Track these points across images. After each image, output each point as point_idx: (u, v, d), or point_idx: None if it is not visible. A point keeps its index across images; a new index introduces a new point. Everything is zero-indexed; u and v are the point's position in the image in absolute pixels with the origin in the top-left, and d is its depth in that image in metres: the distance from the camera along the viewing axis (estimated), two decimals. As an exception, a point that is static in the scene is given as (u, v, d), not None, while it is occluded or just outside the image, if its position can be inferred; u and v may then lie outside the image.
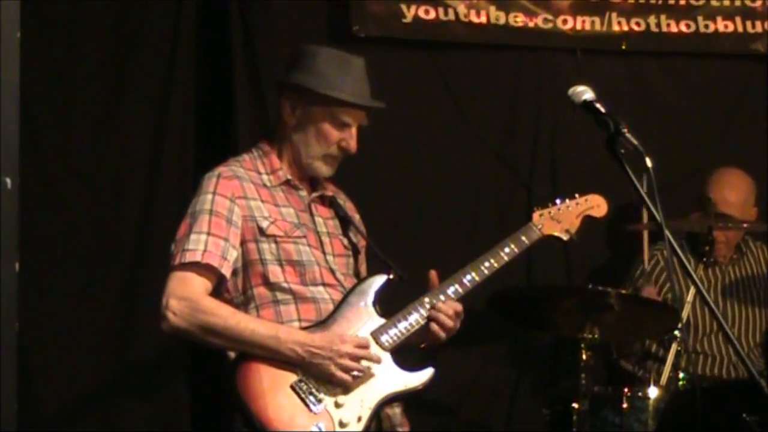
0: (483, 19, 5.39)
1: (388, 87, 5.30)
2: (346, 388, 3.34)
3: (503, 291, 4.64)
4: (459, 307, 3.51)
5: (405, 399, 3.50)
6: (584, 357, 4.54)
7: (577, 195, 3.83)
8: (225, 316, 3.34)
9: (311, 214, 3.57)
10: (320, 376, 3.32)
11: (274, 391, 3.30)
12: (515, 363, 5.44)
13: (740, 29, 5.56)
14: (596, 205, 3.83)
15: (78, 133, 5.04)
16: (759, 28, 5.57)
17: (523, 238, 3.67)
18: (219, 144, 5.12)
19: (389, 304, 3.54)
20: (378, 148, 5.13)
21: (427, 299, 3.48)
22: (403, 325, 3.44)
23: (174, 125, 5.10)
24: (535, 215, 3.76)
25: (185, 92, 5.12)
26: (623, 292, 4.77)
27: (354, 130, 3.56)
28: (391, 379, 3.40)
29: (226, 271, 3.41)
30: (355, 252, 3.66)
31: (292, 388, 3.32)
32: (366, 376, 3.36)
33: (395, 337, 3.43)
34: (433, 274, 3.54)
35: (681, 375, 4.78)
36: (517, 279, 5.30)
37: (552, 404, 4.77)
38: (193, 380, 5.04)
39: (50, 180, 4.96)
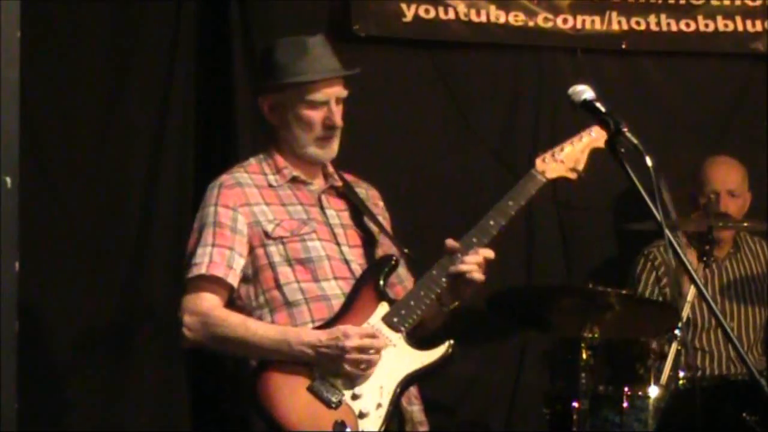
0: (483, 18, 5.39)
1: (388, 86, 5.34)
2: (362, 379, 3.37)
3: (503, 290, 4.64)
4: (489, 253, 3.56)
5: (426, 377, 3.48)
6: (584, 356, 4.54)
7: (579, 132, 3.79)
8: (235, 325, 3.42)
9: (322, 207, 3.60)
10: (333, 373, 3.37)
11: (293, 396, 3.36)
12: (515, 362, 5.44)
13: (740, 28, 5.56)
14: (600, 137, 3.62)
15: (78, 133, 5.04)
16: (759, 27, 5.56)
17: (528, 186, 3.68)
18: (219, 145, 5.12)
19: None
20: (376, 147, 5.14)
21: (435, 271, 3.49)
22: (414, 304, 3.45)
23: (174, 125, 5.09)
24: (538, 160, 3.74)
25: (185, 93, 5.12)
26: (623, 291, 4.76)
27: (333, 105, 3.58)
28: (407, 360, 3.41)
29: (233, 280, 3.48)
30: (371, 241, 3.67)
31: (309, 389, 3.38)
32: (381, 361, 3.37)
33: (408, 318, 3.44)
34: (449, 241, 3.54)
35: (681, 374, 4.78)
36: (517, 278, 5.30)
37: (552, 403, 4.76)
38: (193, 379, 5.04)
39: (50, 180, 4.96)
